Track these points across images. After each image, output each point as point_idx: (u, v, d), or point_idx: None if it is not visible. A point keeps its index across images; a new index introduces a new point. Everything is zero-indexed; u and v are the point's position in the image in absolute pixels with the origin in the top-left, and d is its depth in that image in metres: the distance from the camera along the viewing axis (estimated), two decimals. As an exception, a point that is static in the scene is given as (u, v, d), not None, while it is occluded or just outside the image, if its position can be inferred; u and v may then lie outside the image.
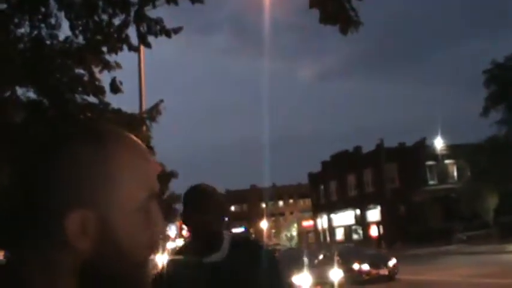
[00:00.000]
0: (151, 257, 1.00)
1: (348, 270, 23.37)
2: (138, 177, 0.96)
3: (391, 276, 24.80)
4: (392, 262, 25.42)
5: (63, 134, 0.98)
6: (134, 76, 14.05)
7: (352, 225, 64.90)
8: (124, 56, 6.61)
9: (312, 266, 21.88)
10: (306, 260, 21.63)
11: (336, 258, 23.79)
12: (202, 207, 2.77)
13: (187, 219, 2.85)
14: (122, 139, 0.98)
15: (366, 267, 24.89)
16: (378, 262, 25.48)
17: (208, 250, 2.77)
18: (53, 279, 0.92)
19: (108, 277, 0.94)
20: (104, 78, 7.06)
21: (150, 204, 0.99)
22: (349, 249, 28.78)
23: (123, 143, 0.97)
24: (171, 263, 2.84)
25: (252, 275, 2.75)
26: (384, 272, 24.90)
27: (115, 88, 6.78)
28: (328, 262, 23.73)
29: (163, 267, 2.84)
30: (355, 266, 24.85)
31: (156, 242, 1.00)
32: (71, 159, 0.93)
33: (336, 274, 21.50)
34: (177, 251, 3.06)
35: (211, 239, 2.80)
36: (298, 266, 20.38)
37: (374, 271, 24.82)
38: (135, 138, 1.00)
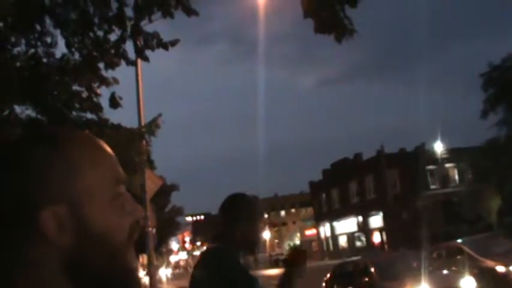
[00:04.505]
0: (133, 242, 1.03)
1: (484, 275, 16.04)
2: (100, 168, 1.00)
3: None
4: None
5: (19, 139, 1.01)
6: (132, 90, 14.05)
7: (355, 232, 64.76)
8: (121, 71, 6.63)
9: (428, 273, 14.65)
10: (422, 265, 15.04)
11: (461, 258, 17.00)
12: (236, 215, 3.01)
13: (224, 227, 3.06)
14: (77, 137, 1.03)
15: None
16: None
17: (242, 254, 3.01)
18: (42, 281, 0.93)
19: (94, 268, 0.96)
20: (103, 94, 7.09)
21: (119, 191, 1.03)
22: (479, 244, 18.46)
23: (79, 140, 1.02)
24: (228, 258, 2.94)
25: None
26: None
27: (114, 103, 6.79)
28: (450, 265, 16.97)
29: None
30: (500, 269, 16.20)
31: (135, 225, 1.03)
32: (29, 161, 0.95)
33: (467, 283, 15.12)
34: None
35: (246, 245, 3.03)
36: (410, 275, 14.50)
37: None
38: (91, 135, 1.05)
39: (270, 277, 48.40)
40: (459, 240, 19.21)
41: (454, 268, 16.42)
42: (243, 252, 3.02)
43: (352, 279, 16.77)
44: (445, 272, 16.08)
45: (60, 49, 6.40)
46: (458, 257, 17.24)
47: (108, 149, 1.04)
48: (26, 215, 0.92)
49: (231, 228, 2.97)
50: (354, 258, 19.89)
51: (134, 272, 1.02)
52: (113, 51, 6.09)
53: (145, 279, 15.70)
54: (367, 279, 15.69)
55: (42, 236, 0.92)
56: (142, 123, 12.73)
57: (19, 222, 0.93)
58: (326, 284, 18.77)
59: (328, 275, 18.91)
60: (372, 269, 15.60)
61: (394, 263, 15.71)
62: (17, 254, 0.93)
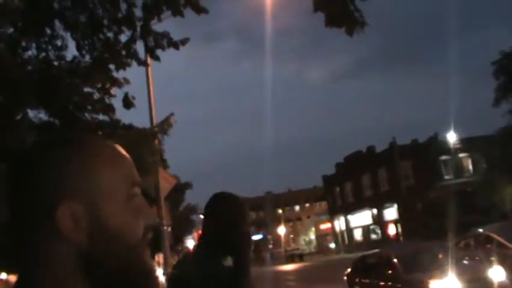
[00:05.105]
0: (147, 243, 1.06)
1: None
2: (116, 170, 1.03)
3: None
4: None
5: (37, 143, 1.07)
6: (142, 90, 14.05)
7: (370, 225, 64.67)
8: (131, 71, 6.64)
9: (455, 264, 13.38)
10: (449, 255, 13.85)
11: (491, 247, 15.95)
12: (215, 214, 2.91)
13: (205, 226, 2.97)
14: (94, 141, 1.06)
15: None
16: None
17: (224, 255, 2.85)
18: (59, 277, 0.97)
19: (109, 267, 0.99)
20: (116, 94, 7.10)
21: (134, 192, 1.06)
22: (508, 231, 17.06)
23: (96, 143, 1.05)
24: (194, 266, 2.84)
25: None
26: None
27: (128, 103, 6.81)
28: (476, 255, 15.95)
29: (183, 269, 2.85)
30: None
31: (148, 228, 1.06)
32: (47, 162, 0.99)
33: (496, 273, 13.70)
34: (192, 256, 3.06)
35: (227, 245, 2.87)
36: (435, 266, 13.54)
37: None
38: (109, 141, 1.09)
39: (286, 272, 48.57)
40: (480, 230, 18.52)
41: (477, 258, 15.66)
42: (228, 254, 2.86)
43: (374, 272, 16.04)
44: (472, 262, 15.25)
45: (71, 52, 6.43)
46: (488, 245, 16.54)
47: (124, 152, 1.08)
48: (44, 213, 0.96)
49: (213, 230, 2.89)
50: (375, 250, 19.03)
51: (150, 272, 1.05)
52: (124, 52, 6.10)
53: (162, 278, 15.71)
54: (390, 271, 14.82)
55: (59, 232, 0.96)
56: (154, 123, 12.76)
57: (38, 219, 0.97)
58: (348, 277, 18.02)
59: (349, 269, 18.24)
60: (395, 261, 14.74)
61: (418, 254, 14.90)
62: (36, 250, 0.97)
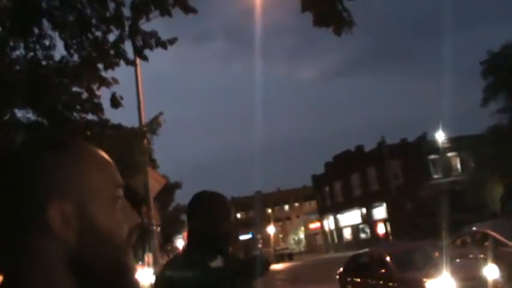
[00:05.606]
0: (131, 245, 1.09)
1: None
2: (102, 172, 1.07)
3: None
4: None
5: (28, 144, 1.09)
6: (131, 90, 13.98)
7: (359, 224, 64.79)
8: (120, 71, 6.62)
9: (449, 262, 13.24)
10: (444, 255, 13.74)
11: (488, 245, 16.01)
12: (197, 213, 2.90)
13: (189, 226, 2.97)
14: (81, 144, 1.09)
15: None
16: None
17: (211, 255, 2.83)
18: (48, 273, 0.98)
19: (97, 267, 1.02)
20: (103, 94, 7.07)
21: (119, 194, 1.09)
22: (505, 228, 17.06)
23: (83, 146, 1.08)
24: (179, 265, 2.84)
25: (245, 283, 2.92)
26: None
27: (116, 103, 6.79)
28: (470, 253, 16.27)
29: (166, 269, 2.85)
30: None
31: (132, 229, 1.10)
32: (39, 161, 1.01)
33: (491, 271, 13.44)
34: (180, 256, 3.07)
35: (211, 244, 2.86)
36: (429, 264, 13.46)
37: None
38: (92, 145, 1.12)
39: (275, 272, 48.57)
40: (474, 228, 18.68)
41: (471, 256, 15.85)
42: (214, 253, 2.84)
43: (367, 271, 15.91)
44: (466, 260, 15.33)
45: (59, 51, 6.41)
46: (486, 243, 16.52)
47: (108, 157, 1.11)
48: (35, 212, 0.98)
49: (197, 229, 2.88)
50: (366, 249, 18.95)
51: (133, 273, 1.08)
52: (112, 51, 6.08)
53: (152, 278, 15.68)
54: (383, 270, 14.66)
55: (50, 230, 0.97)
56: (143, 123, 12.73)
57: (29, 218, 0.98)
58: (340, 277, 17.79)
59: (342, 268, 17.98)
60: (388, 260, 14.61)
61: (411, 253, 14.94)
62: (25, 248, 0.99)
